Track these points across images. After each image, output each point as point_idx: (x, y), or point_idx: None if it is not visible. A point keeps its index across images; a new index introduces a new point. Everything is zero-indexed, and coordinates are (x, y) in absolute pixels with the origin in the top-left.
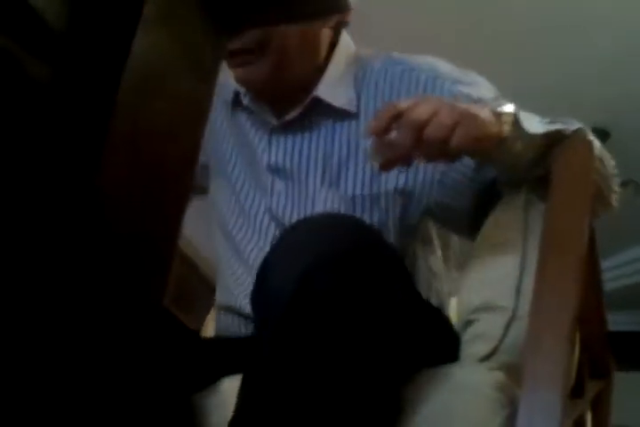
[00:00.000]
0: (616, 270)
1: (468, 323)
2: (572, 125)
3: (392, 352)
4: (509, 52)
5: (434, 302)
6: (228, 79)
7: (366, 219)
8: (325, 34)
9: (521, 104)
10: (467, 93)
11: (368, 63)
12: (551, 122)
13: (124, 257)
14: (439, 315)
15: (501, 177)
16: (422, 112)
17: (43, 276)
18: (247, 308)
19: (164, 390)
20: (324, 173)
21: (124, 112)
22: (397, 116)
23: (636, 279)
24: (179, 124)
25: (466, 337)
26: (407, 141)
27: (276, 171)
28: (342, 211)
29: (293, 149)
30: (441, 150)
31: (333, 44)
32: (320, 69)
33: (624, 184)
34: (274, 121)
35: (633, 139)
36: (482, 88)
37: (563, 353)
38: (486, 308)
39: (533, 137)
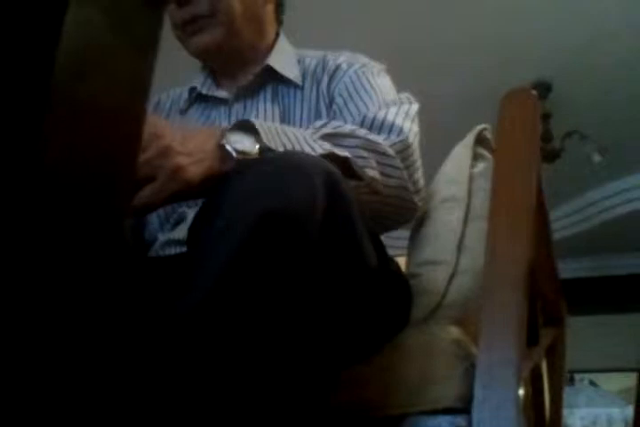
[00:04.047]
0: (565, 219)
1: (413, 276)
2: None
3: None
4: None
5: None
6: (172, 89)
7: None
8: (268, 9)
9: (465, 57)
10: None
11: (306, 56)
12: (321, 126)
13: (73, 232)
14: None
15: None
16: None
17: None
18: None
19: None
20: None
21: (61, 91)
22: None
23: (583, 227)
24: (119, 101)
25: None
26: None
27: None
28: None
29: (250, 111)
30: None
31: (278, 27)
32: (269, 46)
33: (569, 135)
34: (230, 96)
35: (574, 92)
36: (382, 80)
37: (517, 304)
38: (430, 262)
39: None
